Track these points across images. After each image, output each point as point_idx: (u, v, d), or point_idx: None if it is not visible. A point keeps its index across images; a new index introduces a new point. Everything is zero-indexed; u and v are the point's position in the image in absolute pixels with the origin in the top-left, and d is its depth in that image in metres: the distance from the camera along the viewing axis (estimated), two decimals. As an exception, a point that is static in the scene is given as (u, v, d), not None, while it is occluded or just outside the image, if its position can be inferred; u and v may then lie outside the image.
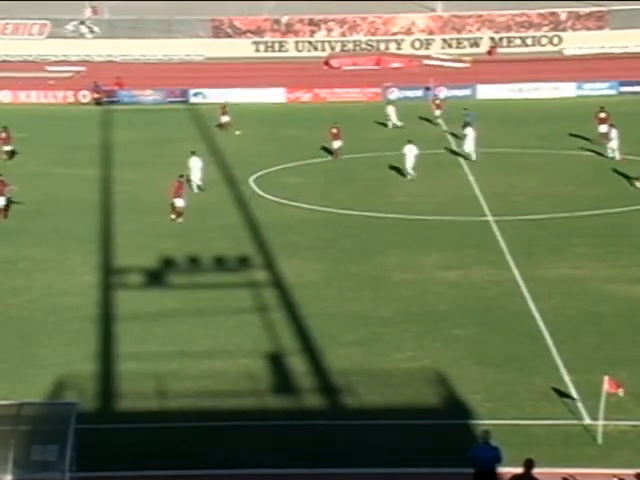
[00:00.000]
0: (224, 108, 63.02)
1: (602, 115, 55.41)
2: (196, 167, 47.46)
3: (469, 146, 52.55)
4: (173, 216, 42.46)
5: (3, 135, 54.23)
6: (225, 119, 62.41)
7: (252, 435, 24.02)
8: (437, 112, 62.32)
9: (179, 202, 42.36)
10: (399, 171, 50.41)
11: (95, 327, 30.82)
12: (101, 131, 61.57)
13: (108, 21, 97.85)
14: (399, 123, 60.92)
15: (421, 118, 64.06)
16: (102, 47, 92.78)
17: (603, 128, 54.15)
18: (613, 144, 51.78)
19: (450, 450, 22.87)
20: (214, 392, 26.20)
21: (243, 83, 75.51)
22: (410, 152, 49.51)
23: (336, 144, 53.86)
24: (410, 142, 49.74)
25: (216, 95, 73.25)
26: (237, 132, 59.78)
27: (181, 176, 44.00)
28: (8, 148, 54.02)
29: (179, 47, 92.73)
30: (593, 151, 53.88)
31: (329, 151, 54.17)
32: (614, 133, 51.87)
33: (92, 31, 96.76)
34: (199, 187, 47.25)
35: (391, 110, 61.90)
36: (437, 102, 63.44)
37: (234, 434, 24.10)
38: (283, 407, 25.53)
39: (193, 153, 48.26)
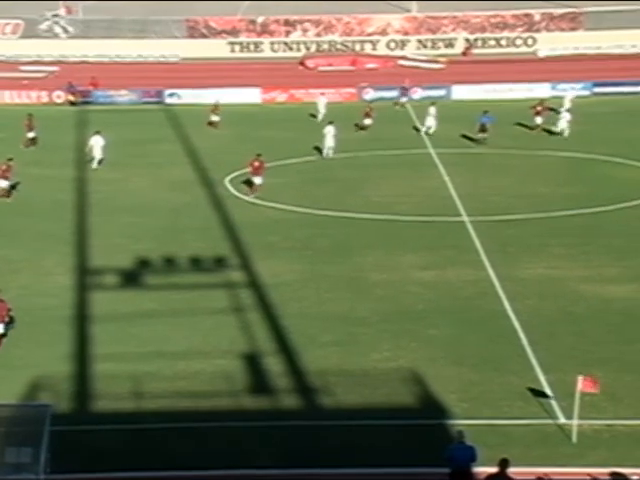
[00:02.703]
0: (215, 107, 63.25)
1: (539, 108, 59.41)
2: (97, 145, 51.45)
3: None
4: (250, 195, 45.97)
5: None
6: (215, 118, 62.60)
7: (229, 436, 23.99)
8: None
9: (257, 180, 46.18)
10: (375, 171, 50.52)
11: (71, 328, 30.71)
12: (76, 131, 61.29)
13: (82, 21, 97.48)
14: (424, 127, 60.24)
15: (397, 118, 64.21)
16: (76, 47, 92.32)
17: (539, 120, 58.98)
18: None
19: (426, 450, 22.96)
20: (191, 393, 26.17)
21: (218, 83, 75.35)
22: (329, 133, 53.02)
23: (367, 121, 60.14)
24: (330, 123, 53.93)
25: (191, 96, 73.20)
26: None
27: (259, 155, 47.07)
28: None
29: (154, 47, 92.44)
30: (569, 151, 54.20)
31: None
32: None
33: (66, 31, 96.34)
34: (99, 162, 51.28)
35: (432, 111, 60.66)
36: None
37: (211, 435, 24.07)
38: (260, 408, 25.53)
39: (97, 132, 52.14)
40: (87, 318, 31.50)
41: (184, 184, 48.61)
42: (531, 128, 59.22)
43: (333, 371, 27.34)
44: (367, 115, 61.52)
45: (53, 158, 53.56)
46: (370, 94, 72.44)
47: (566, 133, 57.86)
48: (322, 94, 68.53)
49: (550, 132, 58.53)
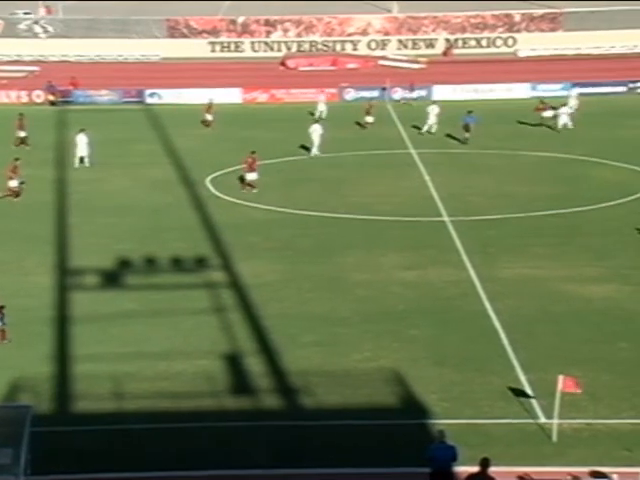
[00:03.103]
0: (209, 106, 63.32)
1: (541, 105, 61.48)
2: (82, 142, 51.79)
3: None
4: (245, 189, 46.54)
5: None
6: (209, 117, 62.62)
7: (210, 436, 23.97)
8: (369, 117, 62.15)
9: (250, 176, 46.80)
10: (357, 171, 50.60)
11: (51, 329, 30.61)
12: (56, 131, 61.13)
13: (62, 21, 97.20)
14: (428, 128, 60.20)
15: (378, 118, 64.28)
16: (56, 47, 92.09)
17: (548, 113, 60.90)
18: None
19: (407, 449, 22.99)
20: (172, 393, 26.12)
21: (199, 83, 75.31)
22: (315, 132, 53.28)
23: (369, 119, 61.02)
24: (316, 122, 54.23)
25: (172, 95, 73.10)
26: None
27: (253, 152, 47.66)
28: None
29: (134, 47, 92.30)
30: (548, 151, 54.43)
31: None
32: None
33: (46, 31, 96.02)
34: (82, 160, 51.65)
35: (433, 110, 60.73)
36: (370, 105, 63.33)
37: (192, 435, 24.04)
38: (241, 408, 25.51)
39: (82, 130, 52.35)
40: (68, 319, 31.41)
41: (165, 184, 48.56)
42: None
43: (314, 371, 27.34)
44: (368, 113, 61.79)
45: (32, 158, 53.34)
46: (351, 94, 72.57)
47: (570, 125, 59.88)
48: (322, 92, 68.65)
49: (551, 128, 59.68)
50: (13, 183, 46.00)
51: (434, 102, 62.05)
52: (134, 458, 23.01)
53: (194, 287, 33.98)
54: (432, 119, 59.92)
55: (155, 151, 55.99)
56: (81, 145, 52.14)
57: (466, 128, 57.12)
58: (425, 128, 59.82)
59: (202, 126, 62.46)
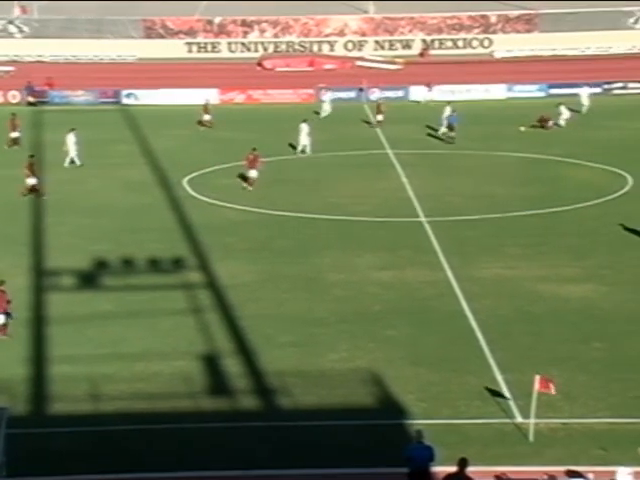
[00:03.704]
0: (206, 107, 63.33)
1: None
2: (70, 142, 51.93)
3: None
4: (245, 185, 47.10)
5: None
6: (207, 117, 62.57)
7: (187, 437, 23.91)
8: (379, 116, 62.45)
9: (252, 173, 47.20)
10: (334, 172, 50.62)
11: (27, 330, 30.44)
12: (32, 132, 60.86)
13: (38, 20, 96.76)
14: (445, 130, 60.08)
15: (355, 119, 64.39)
16: (32, 47, 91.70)
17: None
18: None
19: (385, 450, 23.00)
20: (149, 394, 26.04)
21: (176, 84, 75.20)
22: (302, 131, 53.88)
23: (379, 117, 61.67)
24: (304, 121, 54.43)
25: (148, 96, 72.93)
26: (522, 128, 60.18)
27: (254, 149, 48.14)
28: None
29: (111, 47, 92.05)
30: (525, 152, 54.64)
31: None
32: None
33: (21, 30, 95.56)
34: (72, 161, 51.70)
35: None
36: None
37: (169, 437, 23.98)
38: (218, 409, 25.46)
39: (72, 130, 52.51)
40: (44, 320, 31.25)
41: (142, 185, 48.45)
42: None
43: (291, 372, 27.32)
44: (378, 111, 61.92)
45: (6, 158, 53.13)
46: (328, 95, 72.55)
47: (563, 124, 61.15)
48: (327, 90, 68.64)
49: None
50: (32, 181, 46.04)
51: (449, 102, 62.07)
52: (111, 460, 22.91)
53: (171, 288, 33.89)
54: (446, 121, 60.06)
55: (132, 152, 55.85)
56: (70, 145, 52.04)
57: (450, 128, 57.28)
58: (442, 130, 59.68)
59: (203, 127, 62.00)
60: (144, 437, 23.96)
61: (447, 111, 59.75)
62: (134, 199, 45.97)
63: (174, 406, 25.42)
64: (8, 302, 29.80)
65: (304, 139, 54.59)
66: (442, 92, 72.47)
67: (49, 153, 54.61)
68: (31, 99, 71.40)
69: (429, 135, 59.33)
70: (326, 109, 65.74)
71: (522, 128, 59.83)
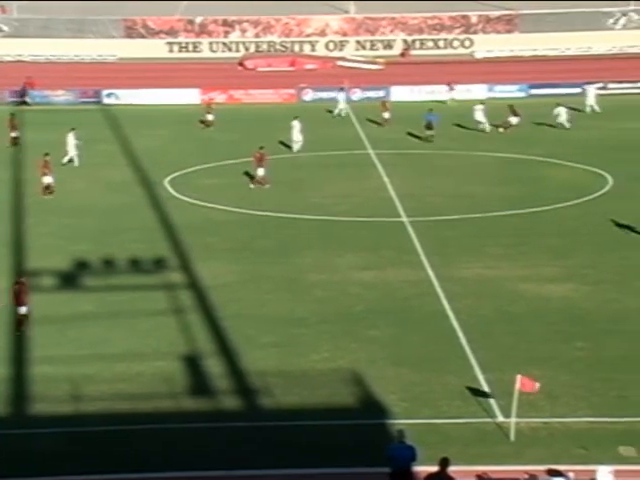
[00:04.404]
0: (209, 106, 63.30)
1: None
2: (71, 143, 51.96)
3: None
4: (252, 185, 47.41)
5: None
6: (210, 117, 62.58)
7: (169, 438, 23.87)
8: (386, 114, 62.61)
9: (260, 171, 47.45)
10: (315, 172, 50.63)
11: (8, 331, 30.32)
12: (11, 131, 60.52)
13: (17, 20, 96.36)
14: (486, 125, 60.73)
15: (336, 119, 64.43)
16: (11, 46, 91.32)
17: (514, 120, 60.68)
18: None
19: (366, 449, 23.03)
20: (130, 395, 25.99)
21: (157, 84, 75.06)
22: (294, 128, 54.36)
23: (386, 115, 62.03)
24: (295, 118, 54.86)
25: (129, 96, 72.76)
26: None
27: (261, 147, 48.44)
28: None
29: (91, 47, 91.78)
30: (505, 152, 54.80)
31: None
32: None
33: (1, 30, 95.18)
34: (71, 160, 51.82)
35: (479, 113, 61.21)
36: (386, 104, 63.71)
37: (151, 437, 23.94)
38: (200, 409, 25.44)
39: (72, 129, 52.56)
40: (25, 320, 31.08)
41: (123, 185, 48.34)
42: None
43: (272, 372, 27.32)
44: (384, 109, 62.04)
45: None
46: (309, 95, 72.70)
47: (567, 125, 60.61)
48: (342, 87, 68.57)
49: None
50: (48, 179, 46.12)
51: (482, 102, 62.46)
52: (93, 460, 22.85)
53: (152, 288, 33.83)
54: (481, 118, 60.43)
55: (113, 152, 55.72)
56: (70, 145, 51.98)
57: (428, 126, 57.51)
58: (481, 126, 60.31)
59: (205, 126, 61.97)
60: (126, 438, 23.91)
61: (478, 110, 60.23)
62: (115, 199, 45.85)
63: (156, 407, 25.37)
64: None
65: (297, 136, 54.77)
66: (423, 92, 72.63)
67: (28, 153, 54.42)
68: (28, 99, 71.58)
69: (409, 135, 59.40)
70: (341, 107, 65.94)
71: (500, 129, 59.97)
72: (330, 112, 66.10)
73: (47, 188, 46.23)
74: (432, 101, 68.77)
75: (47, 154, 47.45)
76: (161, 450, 23.32)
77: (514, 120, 60.41)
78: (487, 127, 60.31)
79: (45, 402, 25.72)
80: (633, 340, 29.37)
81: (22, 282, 30.62)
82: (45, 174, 46.27)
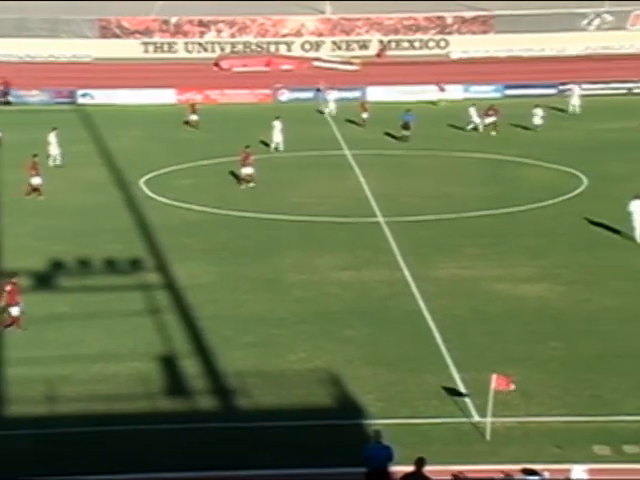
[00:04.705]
0: (193, 107, 63.17)
1: (490, 112, 60.71)
2: (54, 142, 51.35)
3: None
4: (243, 186, 47.35)
5: None
6: (194, 117, 62.38)
7: (146, 439, 23.85)
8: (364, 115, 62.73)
9: (246, 170, 47.66)
10: (293, 172, 50.67)
11: (-17, 332, 30.22)
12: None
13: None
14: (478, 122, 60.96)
15: (314, 120, 64.49)
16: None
17: (490, 119, 60.33)
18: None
19: (343, 450, 23.06)
20: (107, 396, 25.93)
21: (132, 84, 74.85)
22: (275, 128, 54.49)
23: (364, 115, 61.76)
24: (277, 118, 55.01)
25: (104, 96, 72.53)
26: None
27: (247, 147, 48.61)
28: None
29: (66, 47, 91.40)
30: (481, 152, 55.01)
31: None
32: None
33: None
34: (54, 160, 51.70)
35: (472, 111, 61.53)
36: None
37: (127, 438, 23.90)
38: (177, 410, 25.42)
39: (53, 129, 51.86)
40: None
41: (98, 185, 48.21)
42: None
43: (250, 372, 27.34)
44: (363, 110, 62.12)
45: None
46: (285, 95, 72.75)
47: (537, 129, 60.48)
48: (331, 88, 68.76)
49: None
50: (36, 180, 45.85)
51: (473, 103, 62.62)
52: (69, 461, 22.80)
53: (129, 289, 33.76)
54: (475, 118, 60.67)
55: (88, 152, 55.53)
56: (52, 144, 51.81)
57: (405, 126, 57.75)
58: (470, 126, 60.62)
59: (190, 127, 61.80)
60: (102, 439, 23.87)
61: (471, 111, 60.42)
62: (91, 200, 45.72)
63: (132, 407, 25.33)
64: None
65: (277, 136, 54.87)
66: (399, 93, 72.80)
67: (3, 154, 54.19)
68: (11, 99, 71.43)
69: (387, 135, 59.54)
70: (331, 107, 66.00)
71: (493, 133, 59.77)
72: (321, 112, 66.11)
73: (35, 189, 45.93)
74: (423, 102, 69.19)
75: (36, 155, 47.40)
76: (137, 451, 23.29)
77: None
78: (480, 127, 60.37)
79: (20, 404, 25.61)
80: (607, 340, 29.58)
81: (14, 282, 30.56)
82: (33, 175, 46.03)
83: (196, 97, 72.89)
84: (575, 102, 67.53)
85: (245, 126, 62.18)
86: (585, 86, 72.21)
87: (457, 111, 64.75)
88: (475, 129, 60.62)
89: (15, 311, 30.12)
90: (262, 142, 55.75)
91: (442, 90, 71.73)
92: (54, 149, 51.96)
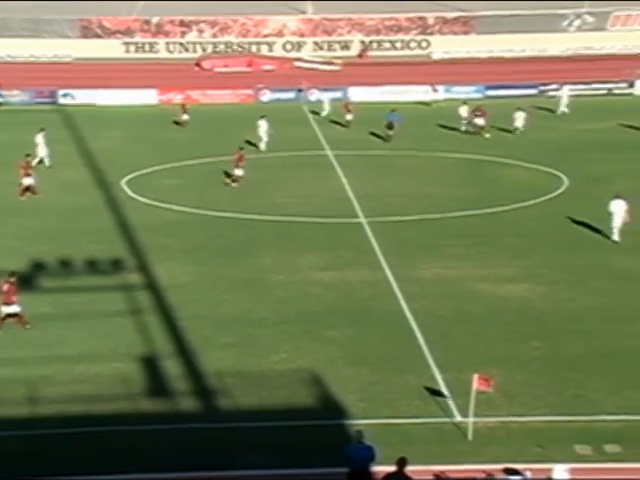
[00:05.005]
0: (184, 107, 62.99)
1: (478, 113, 60.22)
2: (41, 143, 51.15)
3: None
4: (227, 181, 47.69)
5: None
6: (185, 117, 62.20)
7: (127, 439, 23.76)
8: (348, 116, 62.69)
9: (238, 171, 47.79)
10: (274, 173, 50.62)
11: (-37, 333, 30.07)
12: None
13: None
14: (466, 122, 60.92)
15: (295, 120, 64.47)
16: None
17: (480, 121, 59.88)
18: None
19: (325, 450, 23.04)
20: (88, 397, 25.84)
21: (114, 84, 74.63)
22: (260, 127, 54.63)
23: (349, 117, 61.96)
24: (262, 118, 55.21)
25: (86, 96, 72.27)
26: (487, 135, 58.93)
27: (241, 148, 49.06)
28: None
29: (47, 47, 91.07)
30: (463, 153, 55.09)
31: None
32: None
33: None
34: (41, 161, 51.09)
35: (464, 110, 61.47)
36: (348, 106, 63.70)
37: (109, 439, 23.81)
38: (158, 410, 25.34)
39: (41, 130, 51.63)
40: (-20, 322, 30.86)
41: (79, 186, 48.04)
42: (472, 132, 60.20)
43: (231, 373, 27.28)
44: (347, 111, 62.08)
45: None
46: (267, 95, 72.68)
47: (518, 132, 60.00)
48: (326, 88, 68.84)
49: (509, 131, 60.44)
50: (28, 180, 45.73)
51: (464, 102, 62.54)
52: (50, 462, 22.70)
53: (110, 289, 33.66)
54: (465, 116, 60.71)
55: (69, 152, 55.32)
56: (39, 145, 51.52)
57: (389, 126, 57.86)
58: (463, 127, 60.38)
59: (179, 127, 61.69)
60: (83, 439, 23.77)
61: (463, 110, 60.33)
62: (73, 200, 45.55)
63: (114, 408, 25.24)
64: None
65: (263, 135, 54.88)
66: (381, 93, 72.86)
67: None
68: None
69: (371, 135, 59.55)
70: (326, 108, 65.96)
71: (487, 135, 59.44)
72: (317, 114, 66.04)
73: (27, 189, 45.76)
74: (415, 102, 69.33)
75: (28, 155, 47.26)
76: (119, 452, 23.20)
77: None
78: (469, 127, 60.32)
79: (2, 405, 25.49)
80: (589, 339, 29.66)
81: (11, 281, 30.62)
82: (26, 175, 45.82)
83: (177, 97, 72.72)
84: (564, 102, 67.64)
85: (228, 126, 62.14)
86: (566, 86, 72.36)
87: (447, 111, 64.85)
88: (467, 131, 60.30)
89: (11, 309, 30.18)
90: (248, 142, 55.64)
91: (435, 91, 71.80)
92: (42, 150, 51.59)
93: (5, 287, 30.38)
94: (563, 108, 67.62)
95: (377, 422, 24.38)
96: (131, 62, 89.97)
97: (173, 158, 53.50)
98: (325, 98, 67.76)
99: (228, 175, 48.26)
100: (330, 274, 35.38)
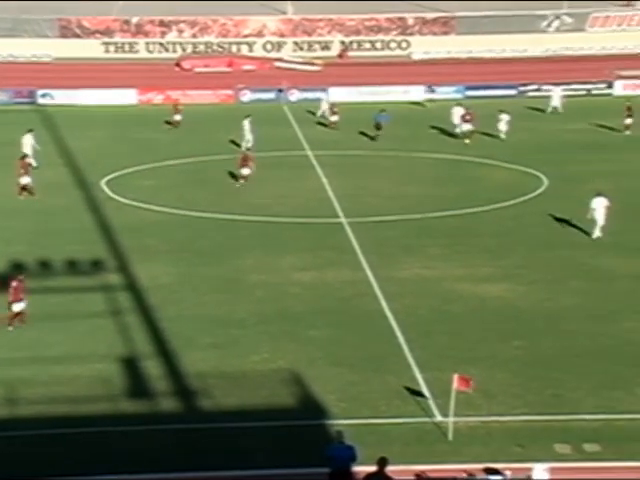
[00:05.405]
0: (177, 107, 62.75)
1: (467, 117, 59.37)
2: (27, 144, 50.68)
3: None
4: (238, 184, 47.86)
5: None
6: (177, 117, 61.98)
7: (107, 440, 23.70)
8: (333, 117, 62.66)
9: (244, 171, 48.01)
10: (255, 173, 50.54)
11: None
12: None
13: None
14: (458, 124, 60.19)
15: (277, 120, 64.44)
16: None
17: (467, 126, 58.79)
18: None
19: (306, 450, 23.07)
20: (68, 398, 25.77)
21: (93, 84, 74.37)
22: (245, 127, 54.72)
23: (334, 118, 61.91)
24: (247, 117, 55.29)
25: (65, 96, 72.01)
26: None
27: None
28: None
29: (25, 47, 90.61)
30: (443, 153, 55.20)
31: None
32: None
33: None
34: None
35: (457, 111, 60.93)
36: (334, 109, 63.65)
37: (89, 440, 23.75)
38: (139, 411, 25.30)
39: (29, 131, 51.65)
40: (-41, 324, 30.74)
41: (59, 186, 47.85)
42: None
43: (212, 373, 27.27)
44: (333, 112, 62.08)
45: None
46: (247, 96, 72.60)
47: (503, 136, 58.64)
48: (324, 88, 68.83)
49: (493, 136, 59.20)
50: (25, 180, 45.66)
51: (459, 104, 62.33)
52: (30, 464, 22.63)
53: (89, 290, 33.56)
54: (456, 120, 60.13)
55: (48, 152, 55.04)
56: (27, 146, 51.17)
57: (377, 126, 57.99)
58: (458, 130, 59.94)
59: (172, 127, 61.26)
60: (63, 441, 23.70)
61: (456, 111, 60.24)
62: (51, 200, 45.38)
63: (93, 409, 25.18)
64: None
65: (248, 134, 54.85)
66: (361, 93, 72.90)
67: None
68: None
69: (353, 135, 59.56)
70: (324, 108, 65.92)
71: (467, 141, 58.79)
72: (313, 114, 65.98)
73: (24, 189, 45.60)
74: (409, 102, 69.49)
75: (25, 155, 46.94)
76: (99, 453, 23.14)
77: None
78: (460, 133, 60.19)
79: (-19, 406, 25.41)
80: (567, 339, 29.79)
81: (20, 279, 30.79)
82: (22, 175, 45.72)
83: (158, 98, 72.52)
84: (555, 103, 67.72)
85: (208, 127, 62.03)
86: (545, 87, 72.63)
87: (418, 112, 64.91)
88: (457, 135, 59.92)
89: (18, 307, 30.42)
90: (232, 142, 55.55)
91: (431, 91, 71.84)
92: (28, 151, 50.98)
93: (14, 284, 30.54)
94: (555, 104, 67.36)
95: (357, 422, 24.42)
96: (111, 62, 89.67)
97: (153, 158, 53.37)
98: (323, 97, 67.82)
99: (235, 177, 48.15)
100: (310, 274, 35.40)
